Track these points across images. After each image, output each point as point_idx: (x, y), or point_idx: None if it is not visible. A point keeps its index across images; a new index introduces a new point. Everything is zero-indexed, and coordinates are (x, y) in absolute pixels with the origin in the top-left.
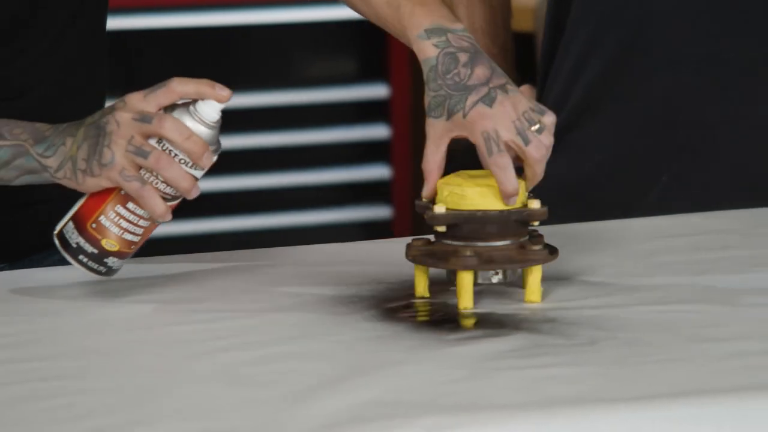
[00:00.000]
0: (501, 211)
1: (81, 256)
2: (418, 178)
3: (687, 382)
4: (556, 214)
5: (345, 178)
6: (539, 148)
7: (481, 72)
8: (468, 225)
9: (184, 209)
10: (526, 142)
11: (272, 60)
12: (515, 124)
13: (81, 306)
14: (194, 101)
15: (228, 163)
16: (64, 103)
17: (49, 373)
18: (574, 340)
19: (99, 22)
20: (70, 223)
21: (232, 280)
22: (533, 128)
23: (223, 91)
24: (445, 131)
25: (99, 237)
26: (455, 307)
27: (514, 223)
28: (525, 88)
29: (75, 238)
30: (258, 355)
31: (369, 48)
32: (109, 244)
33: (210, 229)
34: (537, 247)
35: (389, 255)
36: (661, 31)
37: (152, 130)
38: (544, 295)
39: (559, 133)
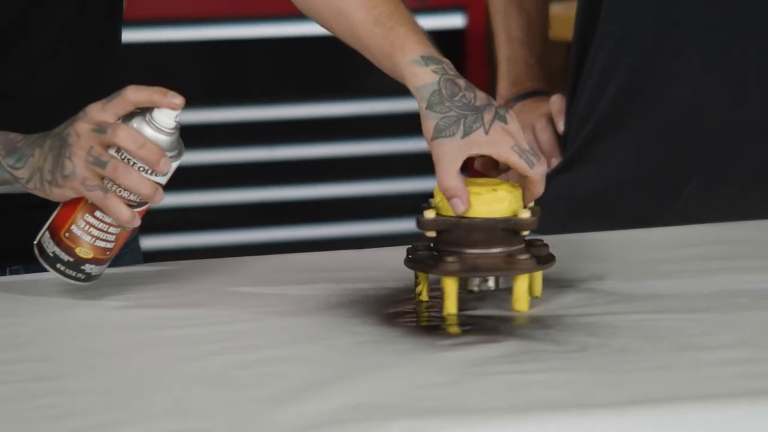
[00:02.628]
0: (485, 219)
1: (58, 265)
2: None
3: (667, 389)
4: (582, 225)
5: (412, 188)
6: (544, 165)
7: (481, 95)
8: (455, 232)
9: (263, 219)
10: (537, 158)
11: (346, 70)
12: (526, 140)
13: (77, 308)
14: (150, 109)
15: (302, 171)
16: (65, 110)
17: (39, 373)
18: (564, 347)
19: (108, 32)
20: (47, 233)
21: (236, 285)
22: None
23: (176, 99)
24: (460, 150)
25: (72, 246)
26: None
27: (502, 232)
28: (555, 97)
29: (51, 247)
30: (248, 358)
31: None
32: (83, 252)
33: (284, 238)
34: (524, 257)
35: (396, 261)
36: (681, 42)
37: (108, 140)
38: (546, 302)
39: (586, 144)
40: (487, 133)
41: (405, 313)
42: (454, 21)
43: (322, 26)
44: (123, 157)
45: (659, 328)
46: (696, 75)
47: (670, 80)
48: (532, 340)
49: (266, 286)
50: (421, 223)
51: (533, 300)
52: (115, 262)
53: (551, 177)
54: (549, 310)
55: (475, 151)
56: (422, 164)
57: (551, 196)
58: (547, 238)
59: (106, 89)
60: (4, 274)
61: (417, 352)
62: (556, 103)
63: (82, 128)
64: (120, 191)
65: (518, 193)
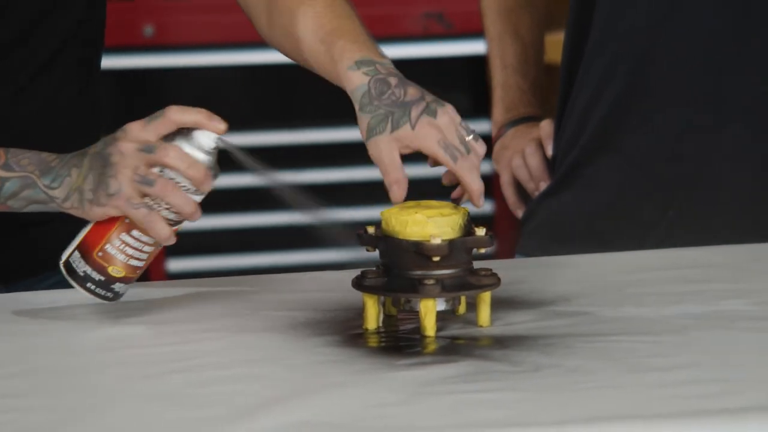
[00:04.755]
0: (408, 240)
1: (89, 284)
2: None
3: (611, 409)
4: (567, 248)
5: None
6: (473, 158)
7: (413, 91)
8: (396, 252)
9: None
10: (463, 153)
11: None
12: (457, 134)
13: (44, 328)
14: (190, 130)
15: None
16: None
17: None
18: (519, 367)
19: (89, 59)
20: (76, 253)
21: (212, 305)
22: (468, 137)
23: (220, 124)
24: (390, 145)
25: (105, 265)
26: (418, 333)
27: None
28: (545, 122)
29: (82, 266)
30: (209, 376)
31: (477, 85)
32: (116, 270)
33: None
34: (429, 282)
35: None
36: (666, 69)
37: (156, 159)
38: (510, 323)
39: (572, 169)
40: (413, 127)
41: (370, 334)
42: (478, 47)
43: (285, 55)
44: (166, 176)
45: (615, 350)
46: (678, 103)
47: (653, 108)
48: (489, 360)
49: (239, 305)
50: (360, 239)
51: (495, 320)
52: None
53: (540, 201)
54: (511, 330)
55: (404, 145)
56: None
57: (540, 219)
58: (520, 261)
59: (84, 112)
60: None
61: (373, 372)
62: (546, 128)
63: (126, 147)
64: (160, 209)
65: (453, 218)
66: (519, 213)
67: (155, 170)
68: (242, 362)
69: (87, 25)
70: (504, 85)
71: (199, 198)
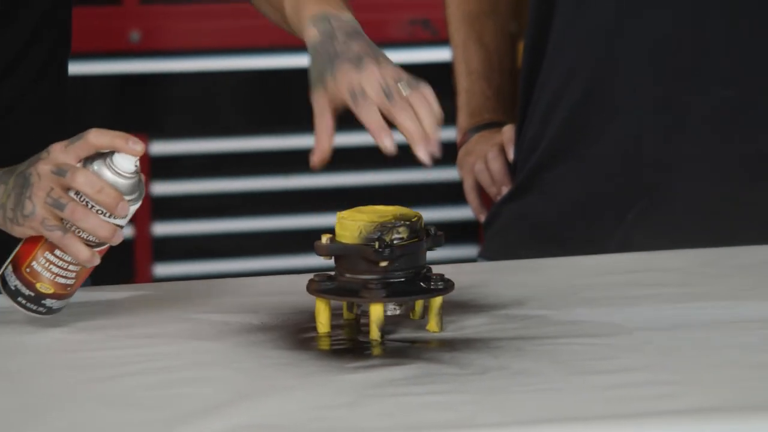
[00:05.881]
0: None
1: (19, 298)
2: None
3: (551, 411)
4: (531, 252)
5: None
6: (405, 107)
7: (358, 47)
8: (346, 257)
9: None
10: (390, 97)
11: None
12: (380, 84)
13: (2, 330)
14: (112, 153)
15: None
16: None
17: None
18: (467, 370)
19: (55, 63)
20: (9, 267)
21: (169, 308)
22: (399, 84)
23: (137, 146)
24: (324, 99)
25: (33, 281)
26: (368, 336)
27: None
28: (507, 128)
29: (13, 281)
30: (159, 379)
31: None
32: (44, 287)
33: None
34: (374, 287)
35: None
36: (622, 76)
37: (67, 182)
38: (462, 327)
39: (533, 173)
40: (334, 77)
41: (322, 338)
42: None
43: (272, 21)
44: (82, 199)
45: (563, 353)
46: (637, 108)
47: (612, 112)
48: (437, 362)
49: (192, 309)
50: (316, 248)
51: (448, 324)
52: None
53: (501, 205)
54: (463, 333)
55: (331, 97)
56: (453, 193)
57: (502, 223)
58: (479, 265)
59: (50, 118)
60: None
61: (321, 374)
62: (507, 132)
63: (43, 169)
64: (79, 231)
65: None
66: (482, 217)
67: (72, 193)
68: (192, 365)
69: (51, 27)
70: (468, 91)
71: (121, 221)
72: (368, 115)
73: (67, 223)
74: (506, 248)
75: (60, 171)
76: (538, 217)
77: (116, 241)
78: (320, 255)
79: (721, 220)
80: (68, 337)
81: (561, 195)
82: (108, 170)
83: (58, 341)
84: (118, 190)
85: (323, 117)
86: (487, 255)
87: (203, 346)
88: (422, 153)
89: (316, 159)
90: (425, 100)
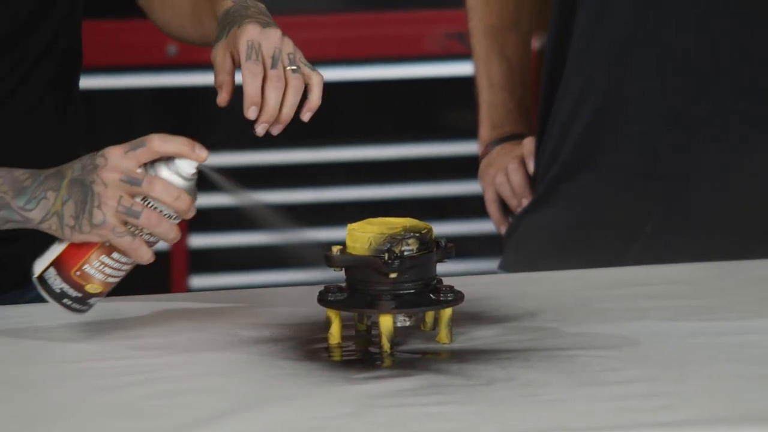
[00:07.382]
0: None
1: (65, 300)
2: None
3: (557, 421)
4: (550, 264)
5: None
6: (278, 85)
7: (268, 19)
8: (356, 268)
9: None
10: (274, 65)
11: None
12: (275, 49)
13: (17, 340)
14: (172, 157)
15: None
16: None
17: None
18: (473, 381)
19: (67, 76)
20: (52, 269)
21: (182, 320)
22: (289, 57)
23: (202, 153)
24: (222, 50)
25: (83, 283)
26: (379, 347)
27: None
28: (527, 140)
29: (58, 284)
30: (165, 389)
31: None
32: (93, 288)
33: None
34: (384, 298)
35: None
36: (640, 85)
37: (142, 192)
38: (472, 338)
39: (552, 185)
40: (239, 28)
41: (333, 348)
42: None
43: (192, 43)
44: (149, 204)
45: (570, 364)
46: (653, 119)
47: (629, 124)
48: (444, 374)
49: (206, 320)
50: (326, 260)
51: (458, 335)
52: None
53: (521, 217)
54: (472, 345)
55: (231, 47)
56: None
57: (521, 235)
58: (493, 277)
59: (62, 130)
60: None
61: (326, 385)
62: (528, 145)
63: (109, 178)
64: (142, 234)
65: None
66: (503, 229)
67: (137, 199)
68: (200, 376)
69: (62, 40)
70: (490, 104)
71: (177, 220)
72: (250, 80)
73: (133, 228)
74: (525, 260)
75: (133, 180)
76: (557, 229)
77: (177, 239)
78: (331, 266)
79: (737, 232)
80: (80, 347)
81: (580, 206)
82: (173, 174)
83: (70, 351)
84: (189, 195)
85: (224, 62)
86: (506, 266)
87: (212, 357)
88: (260, 128)
89: (221, 99)
90: (301, 86)
